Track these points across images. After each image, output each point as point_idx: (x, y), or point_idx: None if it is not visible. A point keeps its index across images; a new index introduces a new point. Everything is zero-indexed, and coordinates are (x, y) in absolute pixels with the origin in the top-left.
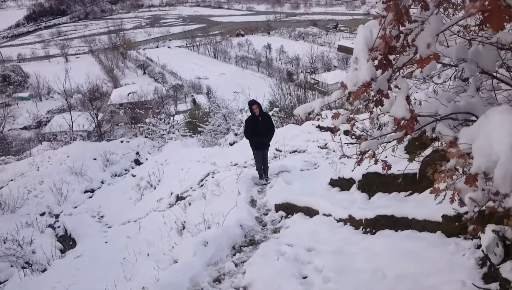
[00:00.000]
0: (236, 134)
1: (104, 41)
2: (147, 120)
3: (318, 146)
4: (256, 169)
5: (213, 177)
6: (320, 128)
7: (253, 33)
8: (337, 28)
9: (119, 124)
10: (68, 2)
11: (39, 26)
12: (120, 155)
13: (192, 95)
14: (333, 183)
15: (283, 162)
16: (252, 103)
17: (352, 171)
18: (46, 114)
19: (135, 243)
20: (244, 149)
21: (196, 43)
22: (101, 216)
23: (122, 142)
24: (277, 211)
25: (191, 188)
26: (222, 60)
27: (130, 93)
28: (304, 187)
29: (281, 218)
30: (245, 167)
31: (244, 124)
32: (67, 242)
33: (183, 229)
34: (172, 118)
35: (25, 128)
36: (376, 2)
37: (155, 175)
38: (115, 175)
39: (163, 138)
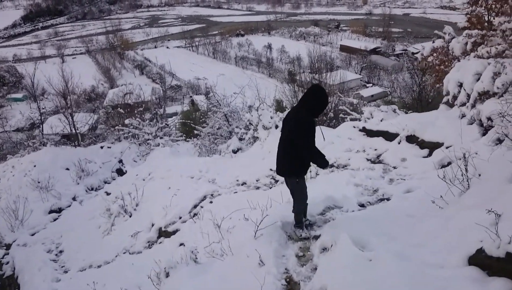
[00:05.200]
0: (241, 139)
1: (102, 41)
2: (126, 121)
3: (367, 159)
4: (298, 212)
5: (211, 201)
6: (367, 132)
7: (253, 33)
8: (339, 28)
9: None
10: (66, 2)
11: (36, 27)
12: (99, 164)
13: (191, 96)
14: (486, 263)
15: (324, 188)
16: (324, 93)
17: None
18: (40, 115)
19: None
20: (253, 161)
21: (195, 43)
22: (60, 251)
23: (102, 147)
24: None
25: (180, 218)
26: (221, 60)
27: (126, 94)
28: (405, 265)
29: None
30: (258, 188)
31: (308, 126)
32: (12, 287)
33: None
34: (160, 119)
35: (17, 130)
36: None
37: (132, 196)
38: (92, 189)
39: (148, 144)
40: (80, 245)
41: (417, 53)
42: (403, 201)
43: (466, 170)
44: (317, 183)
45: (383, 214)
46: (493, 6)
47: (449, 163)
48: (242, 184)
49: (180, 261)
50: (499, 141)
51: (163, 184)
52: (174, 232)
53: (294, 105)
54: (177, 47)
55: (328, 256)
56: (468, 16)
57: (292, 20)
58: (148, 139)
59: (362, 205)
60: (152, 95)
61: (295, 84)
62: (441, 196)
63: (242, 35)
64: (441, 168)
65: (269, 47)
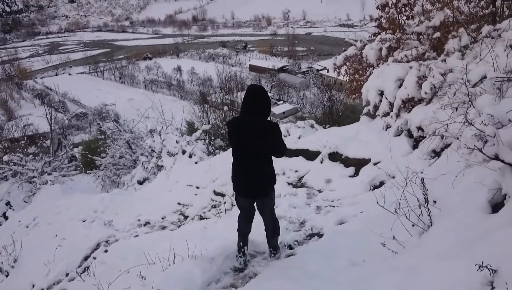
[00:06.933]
0: (146, 168)
1: None
2: (5, 158)
3: (289, 183)
4: (278, 232)
5: (106, 250)
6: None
7: (161, 56)
8: (246, 48)
9: None
10: None
11: None
12: None
13: (98, 123)
14: None
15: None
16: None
17: None
18: None
19: None
20: (158, 195)
21: (99, 69)
22: None
23: None
24: None
25: (67, 275)
26: (129, 84)
27: (25, 125)
28: None
29: None
30: (163, 228)
31: (279, 130)
32: None
33: None
34: (52, 151)
35: None
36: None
37: (9, 250)
38: None
39: (33, 182)
40: None
41: (322, 70)
42: (339, 237)
43: (426, 200)
44: (232, 218)
45: (319, 262)
46: (403, 9)
47: (381, 183)
48: (145, 225)
49: None
50: (435, 153)
51: (50, 232)
52: None
53: (237, 117)
54: (81, 73)
55: None
56: (378, 21)
57: (200, 42)
58: (34, 177)
59: (289, 247)
60: (55, 125)
61: (208, 104)
62: (394, 237)
63: (150, 58)
64: (373, 189)
65: (178, 69)
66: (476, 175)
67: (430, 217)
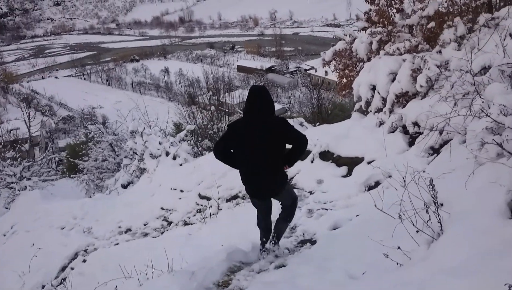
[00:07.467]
0: (128, 171)
1: None
2: None
3: None
4: (291, 220)
5: (85, 260)
6: None
7: (148, 58)
8: (234, 49)
9: None
10: None
11: None
12: None
13: (85, 126)
14: None
15: (226, 234)
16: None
17: None
18: None
19: None
20: (140, 199)
21: (86, 72)
22: None
23: None
24: None
25: (43, 287)
26: (117, 87)
27: (12, 130)
28: None
29: None
30: (146, 235)
31: (287, 122)
32: None
33: None
34: (28, 156)
35: None
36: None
37: None
38: None
39: (11, 188)
40: None
41: (309, 69)
42: (333, 244)
43: (436, 203)
44: (218, 224)
45: (312, 275)
46: (393, 2)
47: (377, 183)
48: (126, 232)
49: None
50: (434, 150)
51: (27, 240)
52: None
53: (240, 118)
54: (67, 76)
55: None
56: (367, 15)
57: (188, 44)
58: (12, 183)
59: (278, 255)
60: (42, 128)
61: (197, 105)
62: (398, 247)
63: (137, 60)
64: (369, 190)
65: (166, 71)
66: (489, 174)
67: (441, 224)
